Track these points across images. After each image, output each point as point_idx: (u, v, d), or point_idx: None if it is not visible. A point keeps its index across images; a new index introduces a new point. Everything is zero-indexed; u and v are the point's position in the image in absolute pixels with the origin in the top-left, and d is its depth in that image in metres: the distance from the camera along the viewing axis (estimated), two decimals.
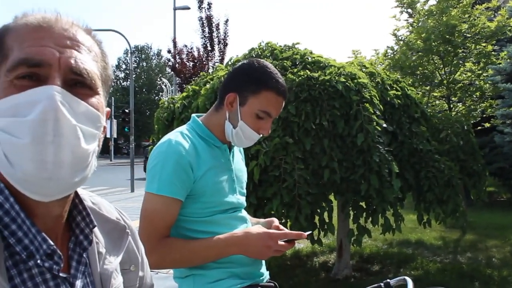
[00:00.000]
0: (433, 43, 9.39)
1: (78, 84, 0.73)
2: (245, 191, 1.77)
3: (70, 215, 0.82)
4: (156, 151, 1.57)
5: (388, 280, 1.58)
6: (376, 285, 1.59)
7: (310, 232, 1.68)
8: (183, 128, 1.67)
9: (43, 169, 0.67)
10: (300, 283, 5.20)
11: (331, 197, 4.46)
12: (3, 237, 0.70)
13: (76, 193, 0.83)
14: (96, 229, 0.85)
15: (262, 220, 1.77)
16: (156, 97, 53.49)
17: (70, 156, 0.69)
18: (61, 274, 0.74)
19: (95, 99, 0.76)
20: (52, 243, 0.72)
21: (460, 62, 10.04)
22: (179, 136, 1.59)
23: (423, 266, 5.84)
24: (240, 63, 1.70)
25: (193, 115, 1.73)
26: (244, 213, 1.74)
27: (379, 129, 4.10)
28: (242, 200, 1.73)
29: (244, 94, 1.62)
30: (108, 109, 0.82)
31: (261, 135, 1.66)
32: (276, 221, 1.71)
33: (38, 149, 0.66)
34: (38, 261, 0.71)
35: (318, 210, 4.12)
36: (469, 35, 9.75)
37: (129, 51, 19.49)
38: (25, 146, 0.66)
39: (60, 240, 0.79)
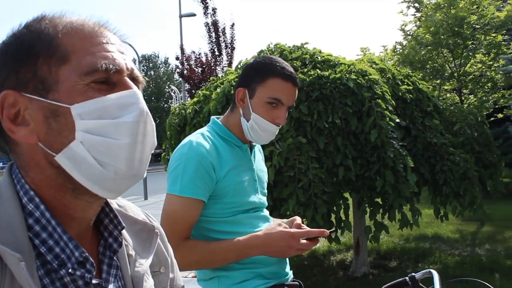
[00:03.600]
0: (442, 36, 9.32)
1: None
2: (266, 191, 1.77)
3: (97, 218, 0.81)
4: (178, 153, 1.57)
5: (414, 274, 1.56)
6: (401, 279, 1.57)
7: (333, 230, 1.67)
8: (204, 129, 1.66)
9: (131, 167, 0.71)
10: (318, 282, 5.19)
11: (347, 195, 4.46)
12: (34, 246, 0.69)
13: None
14: (124, 231, 0.83)
15: (285, 220, 1.74)
16: (165, 105, 53.73)
17: (149, 153, 0.74)
18: (93, 281, 0.73)
19: None
20: (84, 250, 0.71)
21: (470, 54, 9.94)
22: (200, 137, 1.58)
23: (441, 260, 5.80)
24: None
25: (213, 117, 1.73)
26: (266, 212, 1.73)
27: (392, 124, 4.09)
28: (264, 200, 1.73)
29: (252, 86, 1.62)
30: None
31: (278, 126, 1.63)
32: (298, 219, 1.68)
33: (133, 148, 0.71)
34: (70, 270, 0.70)
35: (334, 209, 4.13)
36: (479, 26, 9.66)
37: (137, 61, 19.60)
38: (124, 146, 0.70)
39: (89, 244, 0.78)
